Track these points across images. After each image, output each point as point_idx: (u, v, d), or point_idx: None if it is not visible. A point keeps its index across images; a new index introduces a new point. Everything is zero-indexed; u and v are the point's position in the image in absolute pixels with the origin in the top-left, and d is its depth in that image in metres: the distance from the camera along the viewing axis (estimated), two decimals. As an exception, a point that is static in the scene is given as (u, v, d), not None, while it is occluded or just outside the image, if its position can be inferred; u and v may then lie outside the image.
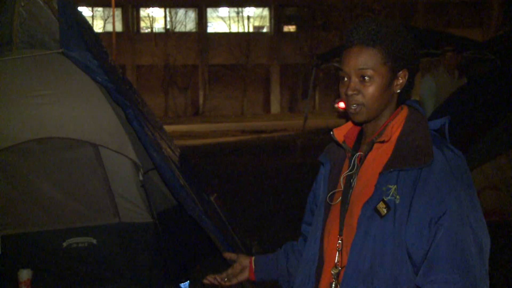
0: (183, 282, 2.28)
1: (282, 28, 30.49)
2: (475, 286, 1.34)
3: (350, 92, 1.48)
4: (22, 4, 3.29)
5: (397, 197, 1.40)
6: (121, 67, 4.15)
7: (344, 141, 1.61)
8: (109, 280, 4.05)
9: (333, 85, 26.14)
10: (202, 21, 29.74)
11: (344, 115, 23.22)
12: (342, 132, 1.62)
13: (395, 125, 1.49)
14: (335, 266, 1.50)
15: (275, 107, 30.10)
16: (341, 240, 1.50)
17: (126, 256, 4.07)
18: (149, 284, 4.04)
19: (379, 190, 1.43)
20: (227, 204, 5.42)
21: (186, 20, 29.99)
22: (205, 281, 1.81)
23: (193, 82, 29.37)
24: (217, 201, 4.35)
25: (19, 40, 3.37)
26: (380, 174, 1.44)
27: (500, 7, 22.81)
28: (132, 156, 3.85)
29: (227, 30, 30.38)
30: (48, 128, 3.78)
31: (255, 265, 1.79)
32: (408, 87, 1.52)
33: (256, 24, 30.72)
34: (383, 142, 1.49)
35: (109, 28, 27.39)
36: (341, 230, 1.51)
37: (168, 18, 29.75)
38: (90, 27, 3.74)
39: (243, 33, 29.91)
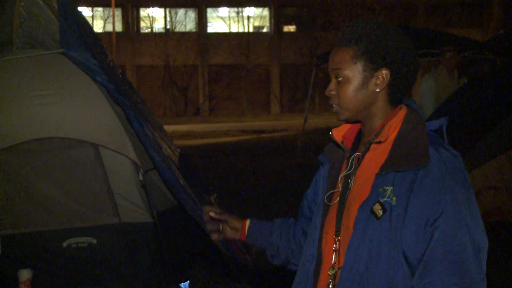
0: (183, 282, 2.29)
1: (282, 28, 30.50)
2: (471, 287, 1.33)
3: (327, 93, 1.53)
4: (22, 4, 3.29)
5: (394, 198, 1.39)
6: (121, 67, 4.15)
7: (342, 142, 1.61)
8: (109, 280, 4.05)
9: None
10: (202, 21, 29.74)
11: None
12: (341, 133, 1.62)
13: (393, 126, 1.48)
14: (332, 266, 1.49)
15: (275, 107, 30.09)
16: (338, 240, 1.49)
17: (126, 256, 4.07)
18: (149, 284, 4.04)
19: (376, 191, 1.42)
20: (227, 204, 5.42)
21: (186, 20, 29.99)
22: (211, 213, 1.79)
23: (193, 82, 29.37)
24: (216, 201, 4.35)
25: (19, 40, 3.37)
26: (377, 175, 1.43)
27: (500, 7, 22.82)
28: (132, 156, 3.85)
29: (227, 30, 30.38)
30: (48, 128, 3.78)
31: (248, 229, 1.79)
32: (401, 87, 1.49)
33: (256, 24, 30.72)
34: (380, 142, 1.49)
35: (109, 28, 27.39)
36: (338, 230, 1.50)
37: (168, 18, 29.75)
38: (90, 27, 3.74)
39: (243, 33, 29.91)
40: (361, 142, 1.57)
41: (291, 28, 30.77)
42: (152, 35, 29.38)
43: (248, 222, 1.80)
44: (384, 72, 1.47)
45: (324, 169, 1.66)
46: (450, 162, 1.40)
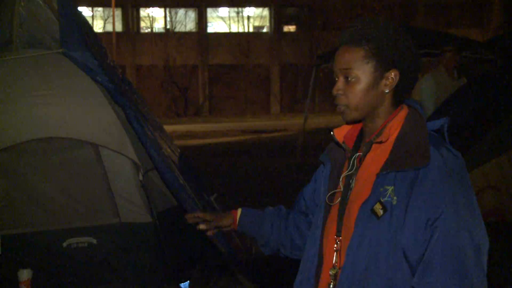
0: (183, 282, 2.29)
1: (282, 28, 30.49)
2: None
3: (335, 92, 1.50)
4: (22, 4, 3.29)
5: (394, 198, 1.39)
6: (121, 67, 4.15)
7: (344, 141, 1.60)
8: (109, 280, 4.05)
9: (333, 85, 26.10)
10: (202, 21, 29.74)
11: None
12: (343, 132, 1.62)
13: (394, 126, 1.48)
14: (333, 266, 1.49)
15: (275, 107, 30.09)
16: (339, 240, 1.49)
17: (126, 256, 4.07)
18: (149, 284, 4.04)
19: (376, 191, 1.42)
20: (227, 204, 5.41)
21: (186, 20, 29.99)
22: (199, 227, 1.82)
23: (193, 82, 29.36)
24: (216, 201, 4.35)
25: (19, 40, 3.37)
26: (378, 175, 1.43)
27: (500, 7, 22.81)
28: (132, 156, 3.85)
29: (227, 30, 30.38)
30: (48, 128, 3.78)
31: (239, 219, 1.82)
32: (405, 87, 1.50)
33: (256, 24, 30.72)
34: (381, 142, 1.49)
35: (109, 28, 27.39)
36: (339, 230, 1.50)
37: (168, 18, 29.76)
38: (90, 27, 3.74)
39: (243, 33, 29.91)
40: (362, 142, 1.56)
41: (291, 28, 30.76)
42: (152, 35, 29.38)
43: (239, 211, 1.84)
44: (394, 73, 1.47)
45: (325, 169, 1.65)
46: (451, 162, 1.40)
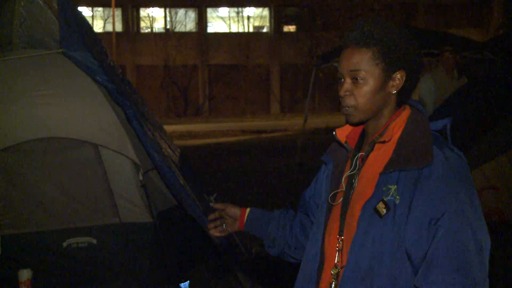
0: (183, 282, 2.29)
1: (282, 28, 30.48)
2: (473, 286, 1.33)
3: (342, 93, 1.48)
4: (22, 4, 3.29)
5: (397, 197, 1.40)
6: (121, 67, 4.15)
7: (346, 141, 1.61)
8: (109, 280, 4.05)
9: (333, 85, 26.14)
10: (202, 21, 29.73)
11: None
12: (345, 132, 1.62)
13: (397, 126, 1.49)
14: (335, 266, 1.50)
15: (275, 107, 30.08)
16: (341, 240, 1.50)
17: (126, 256, 4.07)
18: (149, 284, 4.04)
19: (379, 190, 1.42)
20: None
21: (186, 20, 29.98)
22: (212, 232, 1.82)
23: (193, 82, 29.35)
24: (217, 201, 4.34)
25: (19, 40, 3.37)
26: (381, 174, 1.43)
27: (500, 7, 22.81)
28: (132, 156, 3.85)
29: (227, 30, 30.37)
30: (48, 128, 3.78)
31: (247, 218, 1.82)
32: (409, 88, 1.51)
33: (256, 24, 30.71)
34: (384, 142, 1.49)
35: (109, 28, 27.39)
36: (341, 230, 1.51)
37: (168, 18, 29.75)
38: (90, 27, 3.74)
39: (243, 33, 29.91)
40: (364, 142, 1.57)
41: (291, 28, 30.75)
42: (152, 35, 29.38)
43: (248, 210, 1.83)
44: (400, 74, 1.48)
45: (327, 169, 1.66)
46: (454, 162, 1.41)
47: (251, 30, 30.51)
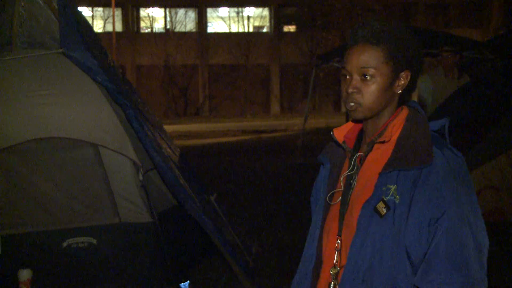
0: (183, 282, 2.29)
1: (282, 28, 30.49)
2: (472, 286, 1.34)
3: (350, 90, 1.47)
4: (22, 4, 3.29)
5: (397, 197, 1.40)
6: (121, 67, 4.16)
7: (344, 141, 1.60)
8: (109, 280, 4.05)
9: (333, 85, 26.14)
10: (202, 21, 29.74)
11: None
12: (342, 132, 1.62)
13: (395, 126, 1.49)
14: (334, 266, 1.50)
15: (275, 107, 30.09)
16: (340, 240, 1.50)
17: (126, 256, 4.07)
18: (149, 284, 4.04)
19: (379, 190, 1.43)
20: (227, 204, 5.42)
21: (186, 20, 29.99)
22: None
23: (193, 82, 29.36)
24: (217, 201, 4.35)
25: (19, 40, 3.37)
26: (380, 174, 1.44)
27: (500, 7, 22.83)
28: (132, 156, 3.85)
29: (227, 30, 30.38)
30: (48, 128, 3.77)
31: None
32: (410, 88, 1.51)
33: (256, 24, 30.71)
34: (383, 142, 1.49)
35: (109, 28, 27.39)
36: (340, 230, 1.51)
37: (168, 18, 29.75)
38: (90, 27, 3.74)
39: (243, 33, 29.91)
40: (363, 142, 1.57)
41: (291, 28, 30.75)
42: (152, 35, 29.38)
43: None
44: (406, 73, 1.48)
45: (324, 168, 1.66)
46: (454, 162, 1.41)
47: (251, 30, 30.50)
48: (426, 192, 1.37)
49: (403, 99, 1.53)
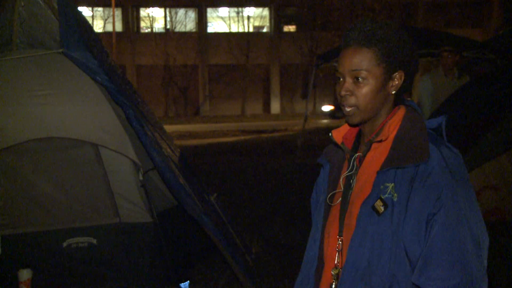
0: (183, 282, 2.28)
1: (282, 28, 30.49)
2: (471, 282, 1.34)
3: (343, 93, 1.48)
4: (22, 4, 3.29)
5: (395, 194, 1.40)
6: (121, 67, 4.16)
7: (342, 142, 1.61)
8: (109, 280, 4.05)
9: (333, 85, 26.14)
10: (202, 21, 29.74)
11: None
12: (341, 134, 1.63)
13: (392, 125, 1.50)
14: (335, 266, 1.50)
15: (275, 107, 30.09)
16: (341, 240, 1.50)
17: (126, 256, 4.07)
18: (149, 284, 4.04)
19: (377, 188, 1.43)
20: (227, 204, 5.42)
21: (186, 20, 29.99)
22: None
23: (193, 82, 29.36)
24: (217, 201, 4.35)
25: (19, 40, 3.37)
26: (378, 172, 1.44)
27: (500, 7, 22.84)
28: (132, 156, 3.85)
29: (227, 30, 30.38)
30: (48, 128, 3.78)
31: None
32: (406, 88, 1.51)
33: (256, 24, 30.72)
34: (380, 141, 1.50)
35: (109, 28, 27.39)
36: (341, 230, 1.51)
37: (168, 18, 29.75)
38: (90, 27, 3.74)
39: (243, 33, 29.91)
40: (361, 142, 1.57)
41: (291, 28, 30.76)
42: (152, 35, 29.38)
43: None
44: (400, 74, 1.48)
45: (324, 170, 1.66)
46: (450, 159, 1.41)
47: (251, 30, 30.51)
48: (423, 189, 1.38)
49: (400, 98, 1.53)
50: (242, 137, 17.12)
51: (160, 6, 29.54)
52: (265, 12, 30.51)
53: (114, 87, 3.26)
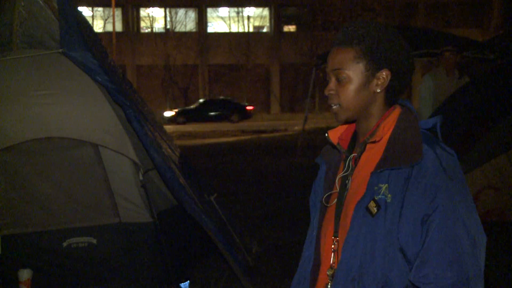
0: (183, 282, 2.28)
1: (282, 28, 30.50)
2: (467, 281, 1.34)
3: (327, 92, 1.52)
4: (22, 4, 3.29)
5: (389, 196, 1.40)
6: (121, 67, 4.16)
7: (338, 143, 1.61)
8: (109, 280, 4.05)
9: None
10: (202, 21, 29.75)
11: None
12: (337, 134, 1.63)
13: (387, 125, 1.50)
14: (331, 267, 1.50)
15: (275, 107, 30.09)
16: (336, 241, 1.50)
17: (126, 256, 4.07)
18: (149, 284, 4.04)
19: (371, 189, 1.43)
20: (227, 204, 5.42)
21: (186, 20, 30.00)
22: None
23: (193, 82, 29.36)
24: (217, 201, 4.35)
25: (19, 40, 3.37)
26: (372, 173, 1.44)
27: (500, 7, 22.84)
28: (132, 156, 3.85)
29: (227, 30, 30.39)
30: (48, 128, 3.78)
31: None
32: (398, 88, 1.51)
33: (256, 24, 30.73)
34: (375, 142, 1.50)
35: (109, 28, 27.41)
36: (336, 231, 1.51)
37: (168, 18, 29.77)
38: (90, 27, 3.74)
39: (243, 33, 29.92)
40: (356, 142, 1.58)
41: (291, 28, 30.77)
42: (152, 35, 29.39)
43: None
44: (385, 72, 1.48)
45: (321, 170, 1.67)
46: (445, 159, 1.41)
47: (251, 30, 30.51)
48: (418, 190, 1.38)
49: (393, 99, 1.53)
50: (242, 137, 17.13)
51: (160, 6, 29.54)
52: (265, 12, 30.52)
53: (114, 87, 3.27)
